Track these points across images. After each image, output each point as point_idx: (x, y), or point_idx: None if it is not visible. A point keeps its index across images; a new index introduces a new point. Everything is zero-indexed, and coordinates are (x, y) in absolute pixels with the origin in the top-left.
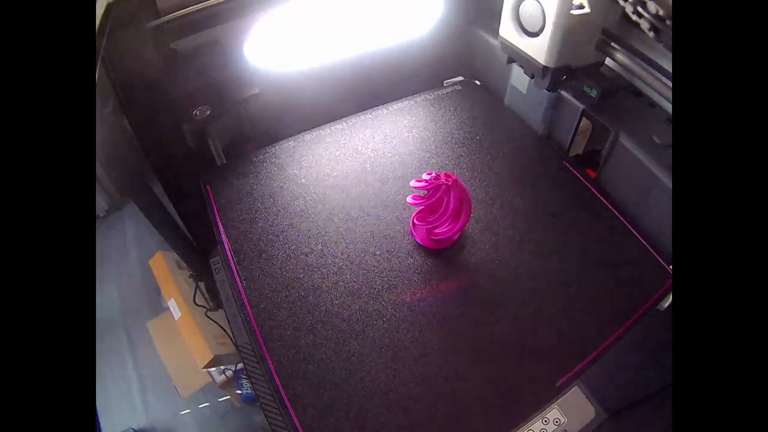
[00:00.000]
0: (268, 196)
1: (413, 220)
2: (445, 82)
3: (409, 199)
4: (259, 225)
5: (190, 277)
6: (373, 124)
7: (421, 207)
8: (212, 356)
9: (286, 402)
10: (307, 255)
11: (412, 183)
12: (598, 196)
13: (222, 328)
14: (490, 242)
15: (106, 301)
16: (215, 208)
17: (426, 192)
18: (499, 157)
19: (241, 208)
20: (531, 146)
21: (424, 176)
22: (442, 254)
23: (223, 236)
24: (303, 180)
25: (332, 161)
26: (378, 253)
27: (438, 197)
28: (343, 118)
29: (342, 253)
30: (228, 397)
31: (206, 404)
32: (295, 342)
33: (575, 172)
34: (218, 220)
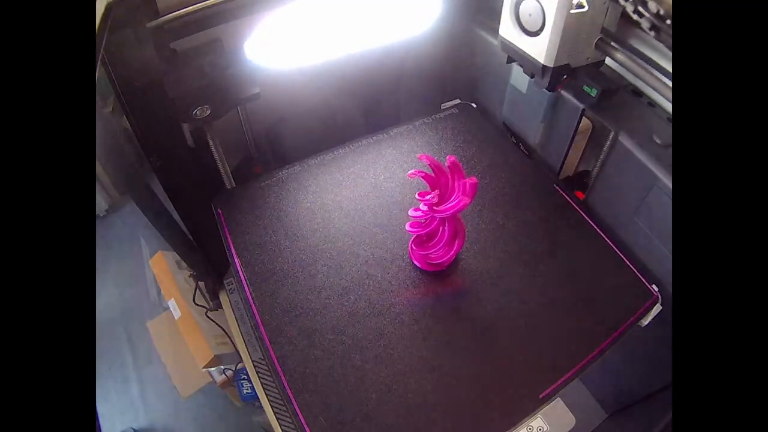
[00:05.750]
0: (276, 219)
1: (411, 245)
2: (442, 105)
3: (407, 227)
4: (269, 248)
5: (190, 276)
6: (375, 149)
7: (419, 233)
8: (212, 356)
9: (298, 412)
10: (313, 276)
11: (411, 212)
12: (586, 218)
13: (222, 328)
14: (482, 265)
15: (106, 301)
16: (227, 232)
17: (423, 220)
18: (492, 181)
19: (251, 231)
20: (523, 169)
21: (422, 207)
22: (437, 276)
23: (236, 259)
24: (309, 204)
25: (336, 186)
26: (379, 274)
27: (434, 226)
28: (346, 143)
29: (346, 275)
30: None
31: (206, 404)
32: (305, 357)
33: (564, 195)
34: (231, 243)
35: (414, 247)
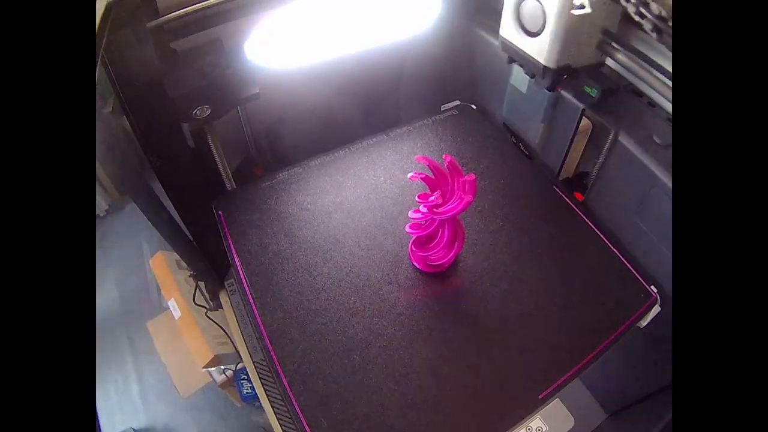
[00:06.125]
0: (277, 221)
1: (411, 247)
2: (442, 106)
3: (407, 228)
4: (270, 249)
5: (190, 276)
6: (375, 151)
7: (419, 235)
8: (212, 356)
9: (299, 412)
10: (314, 278)
11: (410, 214)
12: (585, 219)
13: (222, 328)
14: (481, 266)
15: (106, 301)
16: (228, 234)
17: (423, 222)
18: (491, 182)
19: (252, 233)
20: (522, 170)
21: (422, 209)
22: (437, 277)
23: (237, 261)
24: (309, 206)
25: (336, 187)
26: (379, 276)
27: (434, 228)
28: (346, 145)
29: (347, 276)
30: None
31: (206, 404)
32: (305, 358)
33: (564, 197)
34: (231, 245)
35: (414, 249)
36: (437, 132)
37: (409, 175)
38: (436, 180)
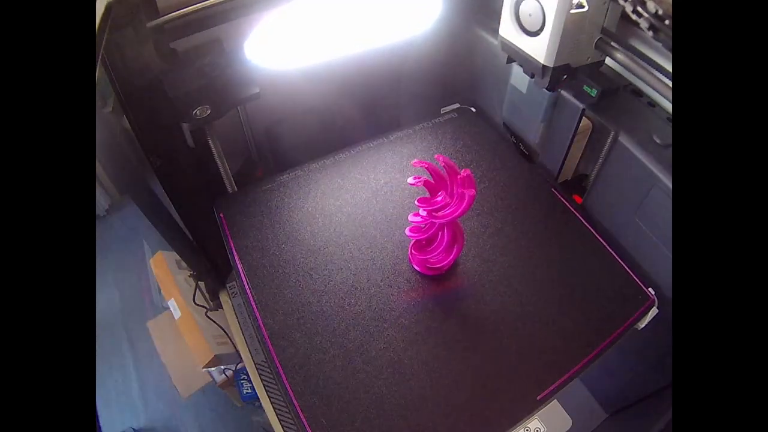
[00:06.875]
0: (278, 224)
1: (411, 250)
2: (442, 109)
3: (407, 232)
4: (271, 252)
5: (190, 276)
6: (375, 154)
7: (418, 238)
8: (212, 356)
9: (300, 413)
10: (315, 281)
11: (410, 217)
12: (584, 222)
13: (222, 328)
14: (480, 268)
15: (106, 301)
16: (229, 236)
17: (423, 225)
18: (491, 185)
19: (253, 235)
20: (521, 173)
21: (422, 212)
22: (437, 280)
23: (238, 263)
24: (310, 208)
25: (336, 190)
26: (379, 278)
27: (433, 232)
28: (347, 148)
29: (347, 278)
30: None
31: (206, 404)
32: (307, 360)
33: (562, 199)
34: (233, 248)
35: (414, 252)
36: (437, 135)
37: (409, 180)
38: (436, 183)
